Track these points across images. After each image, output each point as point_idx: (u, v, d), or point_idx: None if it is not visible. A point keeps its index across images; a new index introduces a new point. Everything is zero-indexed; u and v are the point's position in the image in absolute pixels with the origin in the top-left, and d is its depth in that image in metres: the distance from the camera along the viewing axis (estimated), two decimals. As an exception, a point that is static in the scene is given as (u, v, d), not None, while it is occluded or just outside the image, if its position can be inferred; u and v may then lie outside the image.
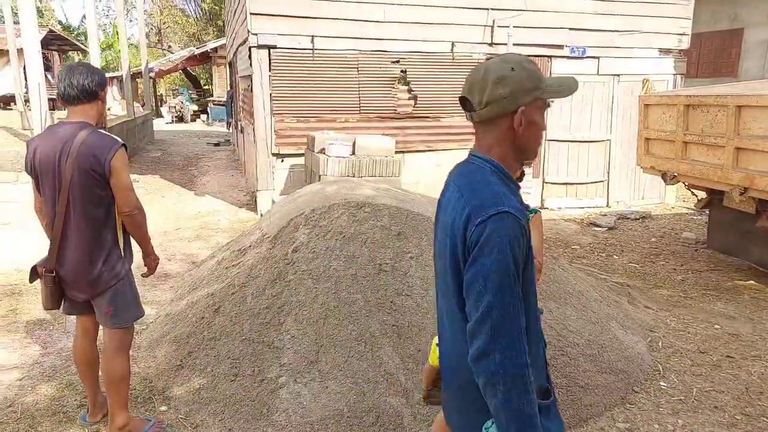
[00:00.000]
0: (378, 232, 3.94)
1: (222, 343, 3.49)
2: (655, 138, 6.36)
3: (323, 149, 6.91)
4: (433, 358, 1.97)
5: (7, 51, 13.70)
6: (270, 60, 7.58)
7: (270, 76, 7.62)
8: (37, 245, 6.33)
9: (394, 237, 3.93)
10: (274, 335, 3.43)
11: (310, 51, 7.70)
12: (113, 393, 2.81)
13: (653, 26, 9.32)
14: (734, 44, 13.61)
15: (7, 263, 5.65)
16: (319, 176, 6.66)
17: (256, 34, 7.43)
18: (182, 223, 7.61)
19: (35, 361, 3.66)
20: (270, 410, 3.05)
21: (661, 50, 9.53)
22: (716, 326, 4.62)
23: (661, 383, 3.70)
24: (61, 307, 2.86)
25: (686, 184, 6.28)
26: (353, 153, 6.96)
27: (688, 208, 9.30)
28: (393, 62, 8.17)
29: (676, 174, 6.05)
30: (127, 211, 2.72)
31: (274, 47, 7.54)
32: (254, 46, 7.47)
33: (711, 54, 14.28)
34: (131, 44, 28.64)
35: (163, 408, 3.16)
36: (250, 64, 7.67)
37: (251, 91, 7.81)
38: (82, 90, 2.64)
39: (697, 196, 6.53)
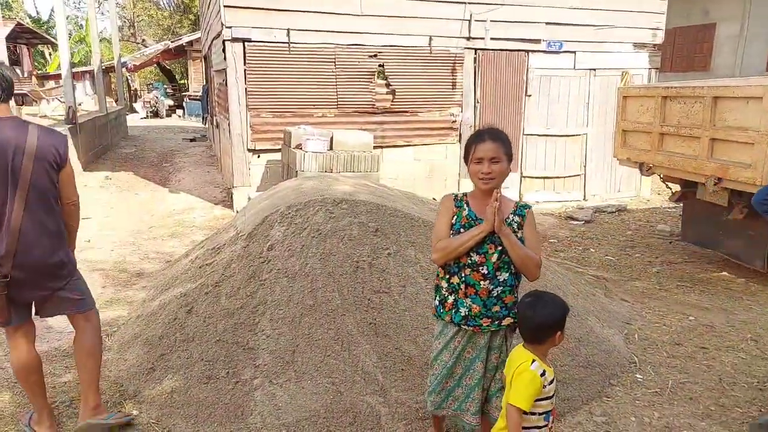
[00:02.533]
0: (355, 229, 3.89)
1: (195, 345, 3.41)
2: (632, 130, 6.44)
3: (300, 144, 6.82)
4: None
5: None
6: (245, 54, 7.44)
7: (245, 70, 7.48)
8: None
9: (371, 234, 3.87)
10: (249, 336, 3.36)
11: (286, 44, 7.58)
12: (93, 372, 2.87)
13: (628, 21, 9.40)
14: (706, 39, 13.82)
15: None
16: (296, 172, 6.57)
17: (230, 27, 7.28)
18: (156, 221, 7.46)
19: None
20: (244, 412, 2.98)
21: (636, 44, 9.62)
22: (690, 317, 4.68)
23: (638, 376, 3.73)
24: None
25: (661, 176, 6.35)
26: (331, 148, 6.89)
27: (663, 201, 9.43)
28: (370, 56, 8.10)
29: (651, 165, 6.12)
30: (73, 200, 2.80)
31: (249, 40, 7.41)
32: (228, 40, 7.33)
33: (684, 48, 14.49)
34: (104, 38, 27.98)
35: (135, 412, 3.06)
36: (225, 58, 7.53)
37: (226, 85, 7.67)
38: (10, 85, 2.63)
39: (671, 189, 6.61)
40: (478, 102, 8.86)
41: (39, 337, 3.82)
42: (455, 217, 2.45)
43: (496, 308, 2.41)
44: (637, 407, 3.37)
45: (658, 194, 9.92)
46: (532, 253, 2.36)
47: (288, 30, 7.52)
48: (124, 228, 7.06)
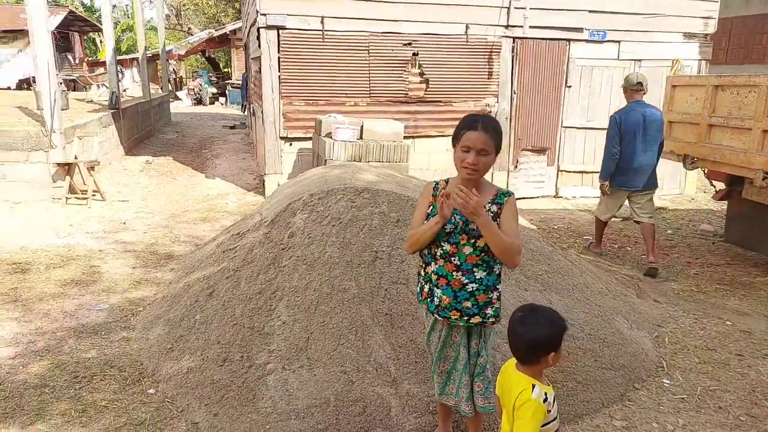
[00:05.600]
0: (376, 219, 3.85)
1: (213, 327, 3.45)
2: (678, 121, 6.18)
3: (330, 133, 6.81)
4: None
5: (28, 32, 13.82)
6: (279, 41, 7.47)
7: (279, 57, 7.51)
8: (48, 223, 6.42)
9: (392, 224, 3.83)
10: (265, 321, 3.38)
11: (320, 32, 7.57)
12: None
13: (678, 9, 8.96)
14: (766, 29, 13.07)
15: (15, 241, 5.71)
16: (325, 161, 6.57)
17: (265, 15, 7.32)
18: (190, 206, 7.62)
19: (30, 339, 3.67)
20: (256, 397, 3.00)
21: (685, 34, 9.17)
22: (728, 322, 4.45)
23: (664, 380, 3.58)
24: None
25: (705, 171, 6.08)
26: (360, 137, 6.86)
27: (708, 199, 9.01)
28: (405, 45, 8.00)
29: (696, 158, 5.86)
30: None
31: (284, 28, 7.43)
32: (263, 27, 7.37)
33: (741, 39, 13.76)
34: (152, 27, 28.72)
35: (151, 391, 3.14)
36: (259, 45, 7.58)
37: (260, 72, 7.72)
38: None
39: (715, 187, 6.31)
40: (514, 92, 8.65)
41: (69, 315, 3.98)
42: (431, 206, 2.42)
43: (467, 304, 2.36)
44: (660, 413, 3.23)
45: (704, 192, 9.48)
46: (509, 239, 2.23)
47: (322, 17, 7.50)
48: (159, 211, 7.25)
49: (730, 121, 5.44)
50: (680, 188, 9.62)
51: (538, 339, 2.00)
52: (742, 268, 5.86)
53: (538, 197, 9.07)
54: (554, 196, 9.17)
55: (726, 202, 6.40)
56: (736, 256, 6.22)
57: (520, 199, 8.83)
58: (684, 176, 9.52)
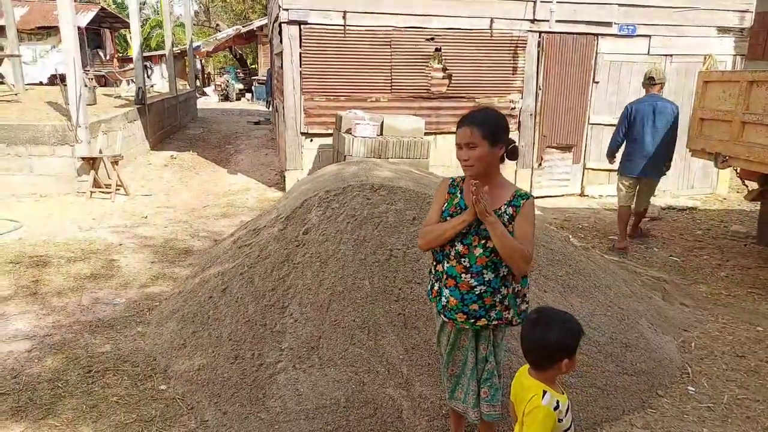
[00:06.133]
0: (392, 216, 3.78)
1: (225, 324, 3.44)
2: (710, 118, 5.95)
3: (350, 129, 6.76)
4: None
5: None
6: (300, 36, 7.44)
7: (300, 53, 7.49)
8: (72, 216, 6.53)
9: (408, 222, 3.75)
10: (277, 318, 3.35)
11: (342, 27, 7.51)
12: None
13: (712, 2, 8.64)
14: (805, 23, 12.52)
15: (38, 234, 5.81)
16: (345, 157, 6.52)
17: (287, 9, 7.29)
18: (211, 201, 7.66)
19: (47, 333, 3.71)
20: (266, 395, 2.97)
21: (719, 29, 8.84)
22: (758, 328, 4.26)
23: (689, 388, 3.43)
24: None
25: (737, 170, 5.85)
26: (381, 133, 6.79)
27: (740, 200, 8.69)
28: (427, 40, 7.89)
29: (728, 157, 5.64)
30: None
31: (305, 23, 7.40)
32: (285, 22, 7.35)
33: (780, 34, 13.21)
34: (181, 23, 29.08)
35: (162, 387, 3.13)
36: (281, 41, 7.56)
37: (282, 68, 7.71)
38: None
39: (748, 187, 6.07)
40: (540, 88, 8.46)
41: (86, 309, 4.01)
42: (446, 203, 2.38)
43: (474, 306, 2.29)
44: (684, 422, 3.09)
45: (737, 192, 9.15)
46: (518, 243, 2.15)
47: (344, 12, 7.45)
48: (180, 206, 7.31)
49: (765, 118, 5.21)
50: (712, 187, 9.31)
51: (549, 343, 1.90)
52: (776, 271, 5.62)
53: (563, 196, 8.87)
54: (580, 195, 8.96)
55: (759, 202, 6.15)
56: (769, 259, 5.98)
57: (544, 197, 8.66)
58: (716, 175, 9.20)
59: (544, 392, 1.92)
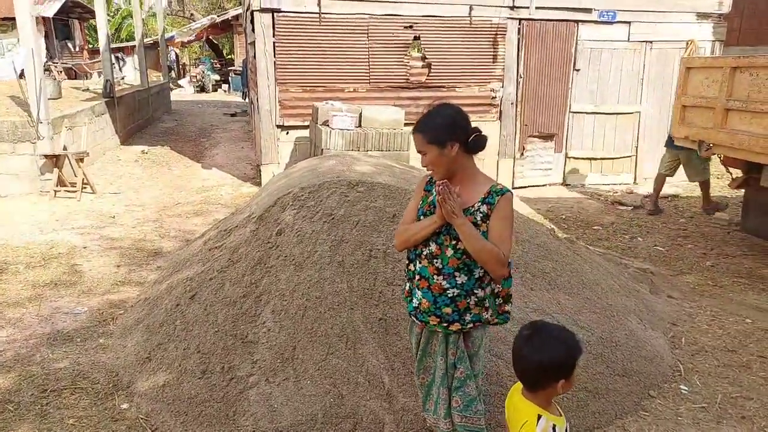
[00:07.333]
0: (371, 214, 3.58)
1: (194, 335, 3.21)
2: (693, 105, 5.84)
3: (327, 121, 6.52)
4: None
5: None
6: (274, 24, 7.14)
7: (274, 42, 7.20)
8: (34, 218, 6.19)
9: (388, 220, 3.55)
10: (249, 328, 3.13)
11: (317, 15, 7.23)
12: None
13: (691, -13, 8.56)
14: (781, 8, 12.55)
15: (-3, 238, 5.48)
16: (322, 150, 6.29)
17: (258, -3, 7.00)
18: (184, 197, 7.37)
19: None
20: (237, 413, 2.76)
21: (699, 14, 8.76)
22: (747, 320, 4.17)
23: (682, 387, 3.31)
24: None
25: (721, 157, 5.76)
26: (359, 125, 6.56)
27: (723, 187, 8.65)
28: (406, 27, 7.66)
29: (712, 144, 5.54)
30: None
31: (279, 11, 7.10)
32: (257, 10, 7.05)
33: (755, 20, 13.23)
34: (154, 13, 28.29)
35: (125, 406, 2.90)
36: (253, 30, 7.26)
37: (255, 58, 7.42)
38: None
39: (731, 174, 5.99)
40: (521, 76, 8.29)
41: (44, 320, 3.74)
42: (422, 201, 2.26)
43: (447, 310, 2.15)
44: (678, 424, 2.97)
45: (718, 178, 9.11)
46: (490, 245, 2.02)
47: (319, -1, 7.17)
48: (151, 204, 7.00)
49: (748, 105, 5.11)
50: (693, 175, 9.25)
51: (544, 363, 1.72)
52: (760, 259, 5.56)
53: (545, 185, 8.75)
54: (562, 184, 8.86)
55: (743, 190, 6.09)
56: (753, 246, 5.92)
57: (527, 187, 8.52)
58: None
59: (539, 416, 1.74)
